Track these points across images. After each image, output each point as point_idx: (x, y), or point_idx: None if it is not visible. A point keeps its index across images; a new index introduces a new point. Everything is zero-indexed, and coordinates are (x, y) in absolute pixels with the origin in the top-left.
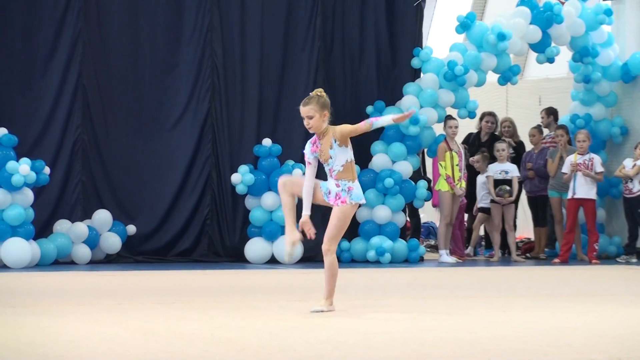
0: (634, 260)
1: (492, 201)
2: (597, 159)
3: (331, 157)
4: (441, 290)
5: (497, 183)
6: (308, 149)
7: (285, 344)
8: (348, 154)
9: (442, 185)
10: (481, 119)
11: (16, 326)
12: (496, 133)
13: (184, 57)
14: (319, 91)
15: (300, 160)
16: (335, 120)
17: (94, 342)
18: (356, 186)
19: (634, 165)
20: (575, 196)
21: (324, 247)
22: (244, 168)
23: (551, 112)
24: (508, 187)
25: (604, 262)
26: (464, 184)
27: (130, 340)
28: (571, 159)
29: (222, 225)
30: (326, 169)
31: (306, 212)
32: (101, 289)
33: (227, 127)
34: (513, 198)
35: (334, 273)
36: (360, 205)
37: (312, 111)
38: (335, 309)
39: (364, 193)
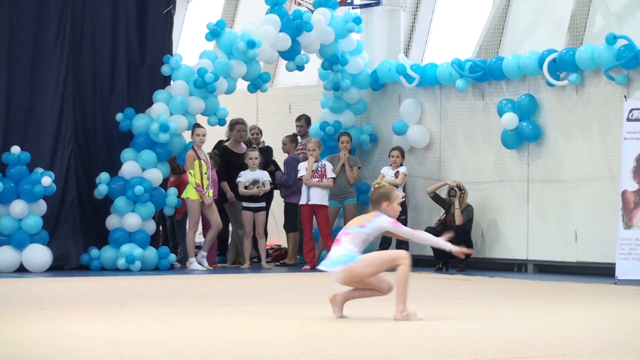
0: None
1: (244, 208)
2: (329, 166)
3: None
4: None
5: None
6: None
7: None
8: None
9: (190, 194)
10: (232, 127)
11: None
12: (245, 141)
13: None
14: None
15: (50, 168)
16: (85, 129)
17: None
18: None
19: (397, 172)
20: (310, 202)
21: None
22: None
23: (307, 120)
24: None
25: None
26: (211, 193)
27: None
28: (305, 165)
29: None
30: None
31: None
32: None
33: None
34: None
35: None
36: None
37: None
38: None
39: (114, 200)
